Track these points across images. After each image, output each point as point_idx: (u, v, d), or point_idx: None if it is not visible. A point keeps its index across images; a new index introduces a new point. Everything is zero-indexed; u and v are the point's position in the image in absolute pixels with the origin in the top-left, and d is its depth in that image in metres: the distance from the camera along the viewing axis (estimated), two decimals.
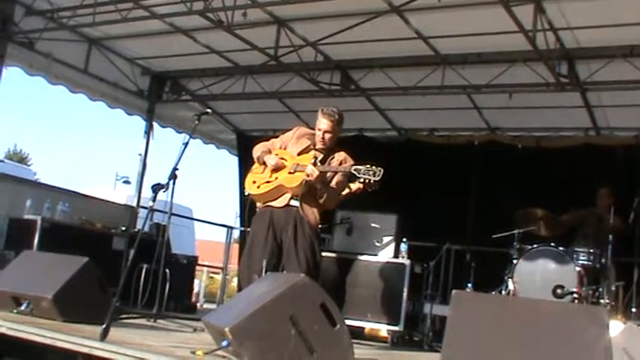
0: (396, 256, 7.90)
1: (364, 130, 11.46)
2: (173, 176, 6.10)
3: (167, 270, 6.75)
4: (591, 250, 7.74)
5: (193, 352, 4.02)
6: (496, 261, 8.30)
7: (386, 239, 7.96)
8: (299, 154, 6.01)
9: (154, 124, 11.47)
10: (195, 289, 13.80)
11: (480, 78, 8.80)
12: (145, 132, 11.39)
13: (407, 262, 7.78)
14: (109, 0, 8.27)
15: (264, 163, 6.07)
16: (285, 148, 6.16)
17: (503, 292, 7.59)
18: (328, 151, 6.05)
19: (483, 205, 10.28)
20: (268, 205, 6.01)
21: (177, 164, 6.35)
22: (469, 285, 8.42)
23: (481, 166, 10.60)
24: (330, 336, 3.95)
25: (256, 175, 6.13)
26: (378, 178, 5.53)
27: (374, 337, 8.15)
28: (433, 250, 8.81)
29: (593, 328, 3.53)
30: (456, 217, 10.31)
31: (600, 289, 7.48)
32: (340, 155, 6.04)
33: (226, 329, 3.78)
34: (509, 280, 7.61)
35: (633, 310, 7.96)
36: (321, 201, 5.90)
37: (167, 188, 6.04)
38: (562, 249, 7.64)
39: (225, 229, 12.67)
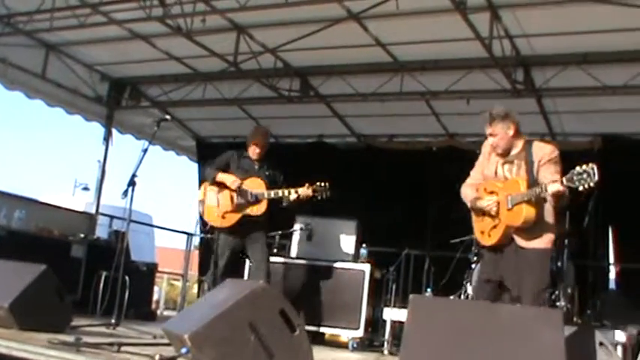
0: (355, 261, 7.93)
1: (324, 136, 11.51)
2: (132, 183, 6.09)
3: (126, 277, 6.70)
4: None
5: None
6: (455, 266, 8.37)
7: (346, 245, 7.99)
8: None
9: (114, 130, 11.38)
10: (155, 297, 13.66)
11: (437, 84, 8.90)
12: (104, 138, 11.29)
13: (367, 267, 7.82)
14: (67, 5, 8.18)
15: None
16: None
17: (462, 296, 7.67)
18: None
19: (442, 210, 10.34)
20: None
21: (136, 171, 6.35)
22: (428, 290, 8.50)
23: (440, 171, 10.68)
24: (290, 342, 3.97)
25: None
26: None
27: (334, 343, 8.18)
28: (393, 256, 8.85)
29: (549, 331, 3.59)
30: (415, 223, 10.39)
31: (557, 292, 7.60)
32: None
33: (185, 336, 3.78)
34: (468, 284, 7.70)
35: (588, 311, 8.12)
36: None
37: (126, 195, 6.02)
38: None
39: (185, 235, 12.59)
